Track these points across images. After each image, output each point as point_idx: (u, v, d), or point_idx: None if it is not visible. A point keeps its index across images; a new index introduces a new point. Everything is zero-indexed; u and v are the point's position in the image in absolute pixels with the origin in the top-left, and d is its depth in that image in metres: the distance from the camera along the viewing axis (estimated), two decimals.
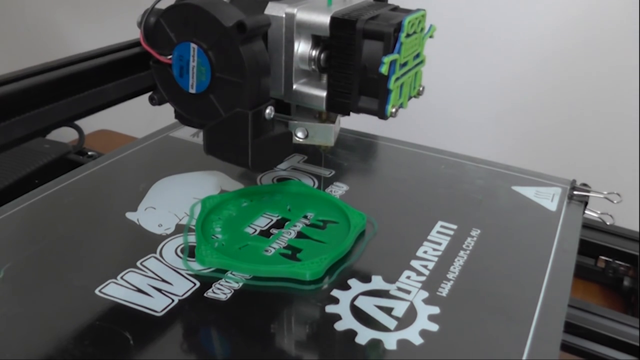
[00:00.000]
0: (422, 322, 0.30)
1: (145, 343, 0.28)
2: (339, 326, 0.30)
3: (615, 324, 0.40)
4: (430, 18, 0.36)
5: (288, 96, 0.36)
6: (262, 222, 0.39)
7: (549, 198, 0.43)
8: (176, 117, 0.36)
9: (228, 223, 0.38)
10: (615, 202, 0.44)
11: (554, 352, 0.29)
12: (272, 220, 0.39)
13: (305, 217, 0.39)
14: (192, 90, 0.34)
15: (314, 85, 0.36)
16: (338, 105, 0.35)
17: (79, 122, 0.75)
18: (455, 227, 0.39)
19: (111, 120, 0.91)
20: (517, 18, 0.74)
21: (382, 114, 0.34)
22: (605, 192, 0.44)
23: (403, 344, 0.29)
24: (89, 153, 0.67)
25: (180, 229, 0.38)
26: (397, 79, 0.33)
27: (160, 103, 0.36)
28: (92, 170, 0.45)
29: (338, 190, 0.44)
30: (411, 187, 0.45)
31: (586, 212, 0.44)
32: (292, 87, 0.36)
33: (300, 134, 0.38)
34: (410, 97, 0.36)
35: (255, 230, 0.38)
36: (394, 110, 0.34)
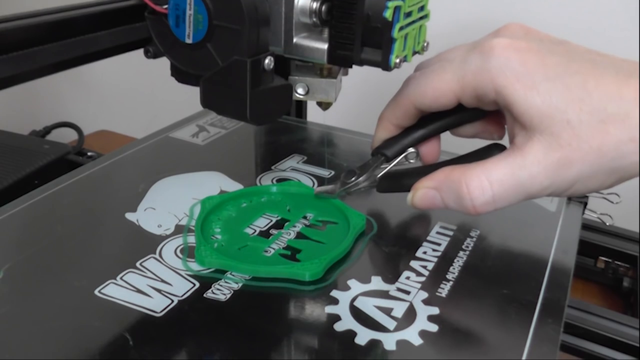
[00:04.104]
0: (422, 322, 0.30)
1: (144, 343, 0.28)
2: (339, 327, 0.30)
3: (614, 325, 0.40)
4: None
5: (288, 50, 0.35)
6: (261, 223, 0.39)
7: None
8: (172, 74, 0.35)
9: (227, 224, 0.38)
10: (614, 202, 0.44)
11: (554, 353, 0.29)
12: (271, 220, 0.39)
13: (305, 217, 0.39)
14: (189, 40, 0.33)
15: (314, 39, 0.35)
16: (340, 57, 0.34)
17: (78, 123, 0.75)
18: (454, 227, 0.39)
19: (111, 120, 0.91)
20: (517, 15, 0.74)
21: (385, 65, 0.33)
22: (604, 193, 0.44)
23: (402, 344, 0.29)
24: (89, 154, 0.67)
25: (179, 230, 0.38)
26: (402, 28, 0.32)
27: (155, 56, 0.35)
28: (91, 171, 0.45)
29: None
30: None
31: (585, 212, 0.44)
32: (292, 40, 0.34)
33: (300, 90, 0.37)
34: (414, 53, 0.36)
35: (255, 231, 0.38)
36: (397, 60, 0.33)
